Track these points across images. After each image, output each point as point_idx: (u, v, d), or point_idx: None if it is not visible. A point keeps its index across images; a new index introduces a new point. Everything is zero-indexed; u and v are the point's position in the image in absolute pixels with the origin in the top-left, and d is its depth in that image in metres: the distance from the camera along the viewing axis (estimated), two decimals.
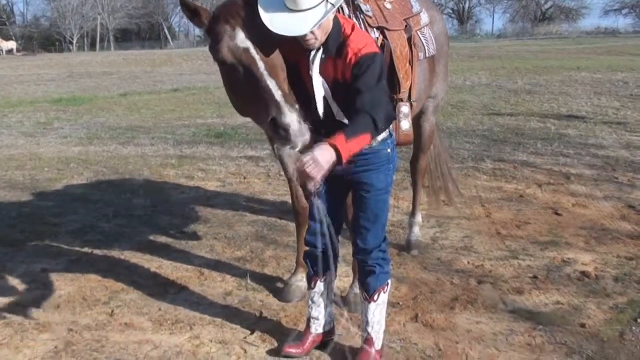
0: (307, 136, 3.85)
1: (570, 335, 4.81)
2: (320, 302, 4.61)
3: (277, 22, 3.75)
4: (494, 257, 6.38)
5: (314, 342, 4.67)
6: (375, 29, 5.09)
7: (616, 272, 5.97)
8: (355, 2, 5.03)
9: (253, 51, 3.89)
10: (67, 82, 30.40)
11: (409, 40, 5.37)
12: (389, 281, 4.42)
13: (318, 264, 4.51)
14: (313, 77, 3.96)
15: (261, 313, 5.27)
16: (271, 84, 3.86)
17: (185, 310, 5.34)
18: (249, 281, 5.89)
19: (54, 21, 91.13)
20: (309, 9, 3.68)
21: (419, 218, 6.83)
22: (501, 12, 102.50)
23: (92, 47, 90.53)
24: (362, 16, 5.03)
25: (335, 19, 3.90)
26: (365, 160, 4.04)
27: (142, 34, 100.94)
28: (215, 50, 3.95)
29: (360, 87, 3.76)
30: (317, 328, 4.64)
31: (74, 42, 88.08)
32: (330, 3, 3.73)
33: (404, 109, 5.28)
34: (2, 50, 72.69)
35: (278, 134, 3.84)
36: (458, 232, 7.14)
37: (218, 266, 6.32)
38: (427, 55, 5.75)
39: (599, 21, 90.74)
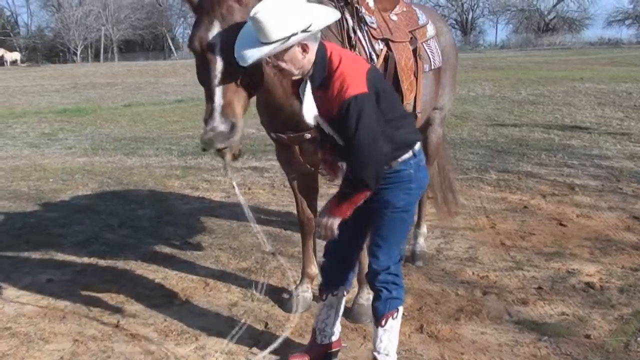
0: (222, 146, 3.89)
1: (575, 346, 4.81)
2: (330, 314, 4.57)
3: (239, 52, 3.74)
4: (498, 268, 6.38)
5: (319, 353, 4.65)
6: (379, 41, 5.11)
7: (621, 282, 5.96)
8: (360, 14, 5.04)
9: (217, 50, 3.89)
10: (71, 92, 30.47)
11: (414, 51, 5.39)
12: (400, 308, 4.27)
13: (331, 277, 4.51)
14: (303, 101, 3.92)
15: (266, 324, 5.28)
16: (218, 88, 3.89)
17: (191, 320, 5.34)
18: (254, 292, 5.89)
19: (58, 32, 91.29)
20: (276, 41, 3.58)
21: (423, 229, 6.83)
22: (504, 23, 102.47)
23: (96, 57, 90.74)
24: (366, 28, 5.05)
25: (322, 50, 3.77)
26: (385, 179, 3.94)
27: (146, 44, 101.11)
28: (189, 37, 4.05)
29: (347, 134, 3.71)
30: (323, 339, 4.62)
31: (78, 53, 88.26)
32: (294, 35, 3.59)
33: None
34: (6, 61, 72.80)
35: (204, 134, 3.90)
36: (462, 243, 7.14)
37: (223, 277, 6.32)
38: (433, 67, 5.76)
39: (602, 32, 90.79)
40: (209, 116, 3.86)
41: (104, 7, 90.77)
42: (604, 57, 43.24)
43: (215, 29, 3.92)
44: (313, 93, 3.84)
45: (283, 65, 3.74)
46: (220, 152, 3.97)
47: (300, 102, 3.91)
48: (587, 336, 4.95)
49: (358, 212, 4.06)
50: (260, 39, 3.60)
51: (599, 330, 5.06)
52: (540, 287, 5.89)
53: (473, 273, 6.28)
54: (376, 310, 4.24)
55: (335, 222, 3.94)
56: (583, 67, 35.55)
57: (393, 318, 4.21)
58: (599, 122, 15.76)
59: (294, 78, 3.92)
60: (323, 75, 3.76)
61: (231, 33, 3.85)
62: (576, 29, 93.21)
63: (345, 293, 4.56)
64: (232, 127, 3.88)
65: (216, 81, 3.89)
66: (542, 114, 17.54)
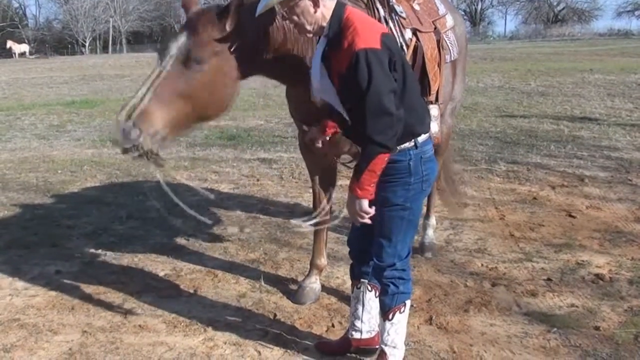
0: (128, 147, 3.94)
1: (585, 337, 4.80)
2: (357, 308, 4.54)
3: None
4: (507, 260, 6.37)
5: (346, 345, 4.63)
6: (409, 30, 5.08)
7: (630, 274, 5.95)
8: (390, 4, 5.02)
9: (166, 60, 3.98)
10: (79, 84, 30.47)
11: (438, 42, 5.37)
12: (407, 302, 4.24)
13: (353, 269, 4.53)
14: (312, 63, 3.96)
15: (275, 315, 5.28)
16: (143, 91, 3.95)
17: (199, 312, 5.36)
18: (263, 283, 5.89)
19: (66, 24, 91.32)
20: None
21: (432, 220, 6.81)
22: (513, 14, 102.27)
23: (104, 49, 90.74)
24: (396, 17, 5.02)
25: (340, 10, 3.76)
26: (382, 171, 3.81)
27: (154, 36, 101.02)
28: None
29: (358, 89, 3.61)
30: (353, 333, 4.59)
31: (86, 44, 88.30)
32: None
33: (433, 111, 5.25)
34: (14, 53, 72.88)
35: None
36: (471, 235, 7.13)
37: (232, 268, 6.33)
38: (452, 58, 5.76)
39: (612, 22, 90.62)
40: (119, 111, 3.95)
41: None
42: (614, 48, 43.05)
43: (180, 39, 4.00)
44: (327, 55, 3.80)
45: (295, 18, 3.78)
46: (125, 152, 4.01)
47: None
48: (597, 328, 4.94)
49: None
50: None
51: (609, 322, 5.05)
52: (549, 279, 5.87)
53: (482, 264, 6.27)
54: (383, 304, 4.23)
55: (363, 204, 3.77)
56: (592, 58, 35.40)
57: (400, 312, 4.20)
58: (609, 113, 15.70)
59: (308, 35, 3.93)
60: (337, 33, 3.73)
61: (194, 50, 3.99)
62: (585, 20, 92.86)
63: (369, 288, 4.46)
64: (139, 135, 3.91)
65: (147, 84, 3.97)
66: (551, 105, 17.49)
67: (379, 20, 4.88)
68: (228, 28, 4.07)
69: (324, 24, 3.77)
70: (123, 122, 3.89)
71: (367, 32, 3.65)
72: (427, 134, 3.99)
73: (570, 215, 7.69)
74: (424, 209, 6.99)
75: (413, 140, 3.86)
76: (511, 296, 5.55)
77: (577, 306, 5.34)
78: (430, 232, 6.72)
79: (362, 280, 4.46)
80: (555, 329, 4.92)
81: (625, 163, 10.33)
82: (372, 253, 4.16)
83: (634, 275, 5.93)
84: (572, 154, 11.12)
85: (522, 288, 5.70)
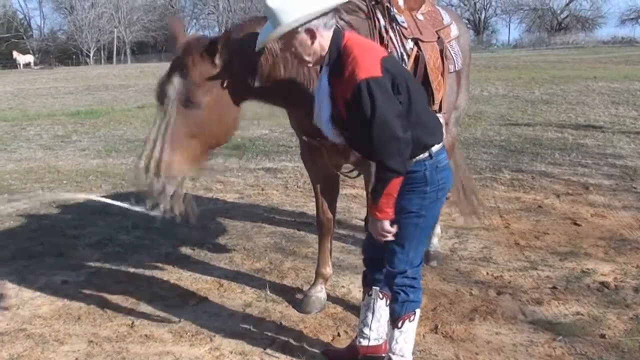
0: (165, 204, 4.18)
1: (590, 345, 4.80)
2: (367, 315, 4.55)
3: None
4: (512, 268, 6.37)
5: (353, 353, 4.63)
6: (410, 40, 5.10)
7: (636, 282, 5.94)
8: (392, 14, 5.03)
9: (168, 105, 4.06)
10: (84, 95, 30.54)
11: (441, 52, 5.38)
12: (417, 310, 4.23)
13: (365, 276, 4.53)
14: (316, 92, 4.03)
15: (280, 324, 5.28)
16: (160, 141, 4.08)
17: (205, 321, 5.36)
18: (268, 292, 5.90)
19: (71, 34, 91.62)
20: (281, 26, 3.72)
21: (437, 229, 6.80)
22: (517, 22, 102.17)
23: (109, 59, 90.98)
24: (397, 27, 5.04)
25: (338, 38, 3.82)
26: None
27: (159, 46, 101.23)
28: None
29: (363, 119, 3.67)
30: (360, 340, 4.59)
31: (91, 55, 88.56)
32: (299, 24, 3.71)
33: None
34: (19, 64, 73.15)
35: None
36: (476, 243, 7.13)
37: (237, 277, 6.34)
38: (456, 68, 5.76)
39: (616, 30, 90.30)
40: (145, 169, 4.15)
41: (116, 9, 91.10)
42: (618, 56, 43.04)
43: (174, 79, 4.05)
44: (331, 82, 3.85)
45: (293, 50, 3.85)
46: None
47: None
48: (602, 336, 4.94)
49: None
50: (271, 24, 3.78)
51: (614, 329, 5.04)
52: (554, 287, 5.87)
53: (487, 273, 6.27)
54: (393, 311, 4.23)
55: (385, 225, 3.87)
56: (596, 65, 35.40)
57: (410, 320, 4.19)
58: (613, 121, 15.70)
59: (308, 65, 3.99)
60: (337, 61, 3.78)
61: (189, 89, 4.04)
62: (589, 28, 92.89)
63: (380, 296, 4.47)
64: (164, 186, 4.08)
65: (159, 132, 4.07)
66: (555, 113, 17.49)
67: (380, 31, 4.91)
68: (218, 62, 4.12)
69: (324, 54, 3.83)
70: (151, 178, 4.03)
71: (367, 60, 3.70)
72: (441, 144, 4.02)
73: (575, 224, 7.69)
74: None
75: (427, 151, 3.90)
76: (516, 304, 5.55)
77: (582, 314, 5.33)
78: (435, 240, 6.72)
79: (374, 287, 4.47)
80: (560, 337, 4.91)
81: (630, 171, 10.32)
82: (385, 259, 4.17)
83: (639, 282, 5.92)
84: (576, 162, 11.11)
85: (527, 296, 5.70)
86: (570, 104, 19.09)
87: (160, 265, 6.70)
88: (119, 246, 7.37)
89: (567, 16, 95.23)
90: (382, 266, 4.29)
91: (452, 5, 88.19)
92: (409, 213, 3.97)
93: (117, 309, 5.67)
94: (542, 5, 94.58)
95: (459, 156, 7.21)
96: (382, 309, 4.50)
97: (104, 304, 5.76)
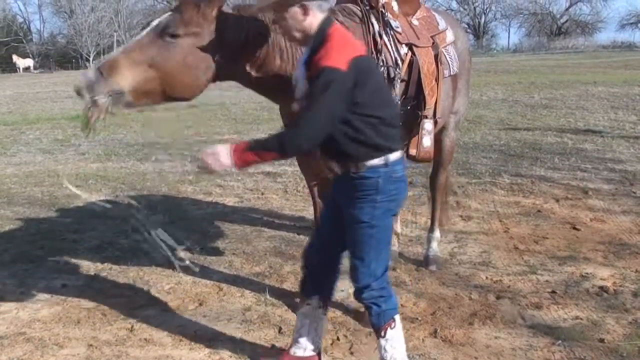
0: (85, 94, 4.14)
1: (589, 350, 4.81)
2: (304, 324, 4.54)
3: None
4: (512, 272, 6.38)
5: None
6: (404, 45, 5.11)
7: (635, 286, 5.95)
8: (385, 18, 5.04)
9: (149, 27, 4.17)
10: None
11: (435, 57, 5.40)
12: (396, 317, 4.20)
13: (306, 285, 4.50)
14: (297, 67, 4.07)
15: (280, 328, 5.29)
16: (120, 48, 4.21)
17: (204, 325, 5.36)
18: (268, 296, 5.90)
19: (71, 38, 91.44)
20: None
21: (437, 233, 6.82)
22: (517, 27, 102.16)
23: None
24: (391, 32, 5.05)
25: (326, 24, 3.85)
26: (350, 185, 3.94)
27: None
28: None
29: (308, 98, 3.73)
30: (296, 351, 4.57)
31: (91, 58, 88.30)
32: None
33: (428, 125, 5.31)
34: (19, 68, 73.12)
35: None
36: (476, 247, 7.14)
37: (236, 281, 6.34)
38: (452, 73, 5.78)
39: (615, 35, 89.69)
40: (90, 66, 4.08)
41: (116, 14, 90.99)
42: (617, 61, 43.08)
43: (164, 15, 4.19)
44: (307, 63, 3.87)
45: (284, 22, 3.89)
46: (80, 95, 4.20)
47: None
48: (601, 340, 4.94)
49: (333, 221, 4.18)
50: None
51: (613, 334, 5.05)
52: (554, 291, 5.88)
53: (486, 277, 6.28)
54: (373, 324, 4.22)
55: (224, 161, 3.80)
56: (596, 70, 35.41)
57: (391, 328, 4.16)
58: (612, 126, 15.70)
59: (296, 42, 4.07)
60: (319, 45, 3.79)
61: (172, 24, 4.12)
62: (589, 32, 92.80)
63: (320, 304, 4.48)
64: (98, 79, 4.02)
65: (124, 45, 4.16)
66: (555, 117, 17.49)
67: (373, 35, 4.92)
68: (213, 14, 4.17)
69: (312, 34, 3.85)
70: (91, 70, 4.00)
71: (340, 52, 3.72)
72: (400, 154, 4.00)
73: (575, 228, 7.70)
74: (429, 222, 7.03)
75: (384, 158, 3.88)
76: (516, 309, 5.56)
77: (581, 318, 5.34)
78: (434, 245, 6.73)
79: (313, 297, 4.47)
80: (560, 342, 4.92)
81: (629, 175, 10.33)
82: (350, 276, 4.14)
83: (638, 287, 5.93)
84: (576, 166, 11.12)
85: (526, 301, 5.71)
86: (570, 109, 19.09)
87: (159, 269, 6.70)
88: (119, 250, 7.38)
89: (566, 21, 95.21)
90: (325, 272, 4.35)
91: (452, 10, 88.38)
92: (361, 223, 3.93)
93: (117, 312, 5.67)
94: (542, 10, 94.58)
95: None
96: (319, 318, 4.53)
97: (104, 308, 5.77)
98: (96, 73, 3.99)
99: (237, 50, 4.33)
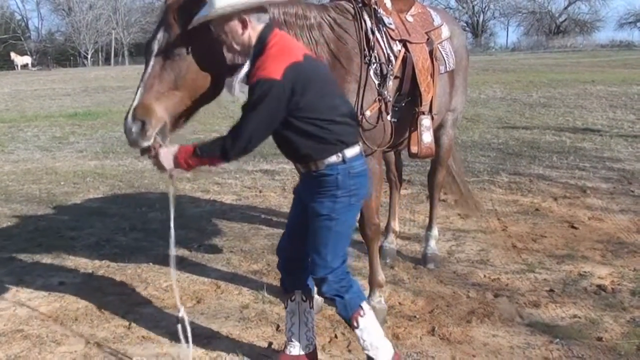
0: (143, 144, 4.05)
1: (588, 348, 4.80)
2: (293, 322, 4.55)
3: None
4: (510, 271, 6.38)
5: None
6: (397, 42, 5.11)
7: (633, 285, 5.95)
8: (378, 15, 5.04)
9: (153, 55, 4.10)
10: (81, 96, 30.53)
11: (430, 53, 5.39)
12: (363, 304, 4.19)
13: (286, 281, 4.53)
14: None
15: (278, 326, 5.28)
16: (140, 89, 4.08)
17: (202, 323, 5.35)
18: (266, 294, 5.90)
19: (69, 36, 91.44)
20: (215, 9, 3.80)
21: (435, 231, 6.81)
22: (515, 25, 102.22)
23: (107, 61, 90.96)
24: (384, 29, 5.05)
25: (266, 33, 3.90)
26: (312, 183, 4.03)
27: None
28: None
29: (245, 107, 3.83)
30: (292, 349, 4.56)
31: (89, 56, 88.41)
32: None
33: (425, 121, 5.30)
34: (17, 65, 73.05)
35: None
36: (474, 246, 7.14)
37: (234, 279, 6.34)
38: (448, 69, 5.78)
39: (614, 34, 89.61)
40: (126, 113, 4.07)
41: (114, 11, 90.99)
42: (616, 60, 43.09)
43: (158, 34, 4.11)
44: (249, 71, 3.89)
45: (223, 37, 3.93)
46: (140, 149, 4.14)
47: None
48: (599, 339, 4.94)
49: (300, 217, 4.26)
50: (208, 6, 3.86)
51: (611, 332, 5.05)
52: (551, 290, 5.88)
53: (484, 275, 6.28)
54: (342, 317, 4.25)
55: (169, 163, 4.01)
56: (594, 69, 35.42)
57: (361, 316, 4.16)
58: (611, 125, 15.73)
59: (237, 55, 4.08)
60: (258, 55, 3.85)
61: (170, 40, 4.07)
62: (587, 31, 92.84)
63: (303, 298, 4.50)
64: (143, 126, 4.00)
65: (141, 82, 4.09)
66: (553, 116, 17.51)
67: (366, 32, 4.91)
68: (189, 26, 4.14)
69: (250, 44, 3.91)
70: (130, 123, 4.02)
71: (275, 62, 3.76)
72: (358, 150, 4.06)
73: (573, 227, 7.70)
74: (426, 220, 7.03)
75: (341, 155, 3.94)
76: (514, 307, 5.56)
77: (579, 317, 5.34)
78: (432, 243, 6.72)
79: (296, 291, 4.49)
80: (557, 340, 4.92)
81: (628, 174, 10.34)
82: (309, 269, 4.21)
83: (636, 286, 5.93)
84: (574, 165, 11.13)
85: (524, 299, 5.71)
86: (568, 107, 19.11)
87: (157, 267, 6.70)
88: (117, 248, 7.37)
89: (565, 19, 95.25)
90: (299, 267, 4.37)
91: (450, 8, 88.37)
92: (320, 216, 4.00)
93: (115, 310, 5.66)
94: (541, 9, 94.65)
95: (457, 161, 7.22)
96: (307, 312, 4.54)
97: (102, 306, 5.76)
98: (136, 123, 3.99)
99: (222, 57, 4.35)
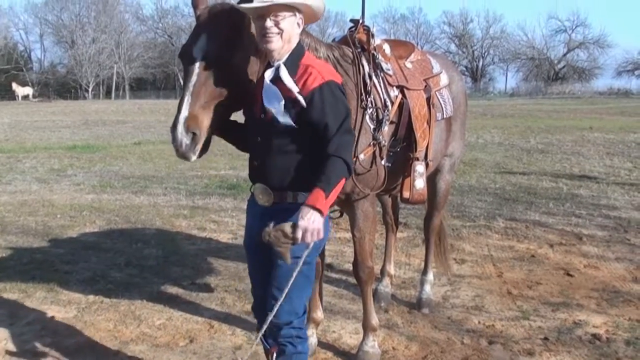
0: (192, 158, 3.94)
1: None
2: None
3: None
4: (504, 317, 6.36)
5: None
6: (394, 87, 5.14)
7: (627, 335, 5.93)
8: (377, 60, 5.07)
9: (197, 64, 3.94)
10: (81, 129, 30.63)
11: (428, 100, 5.42)
12: None
13: (266, 337, 4.18)
14: (264, 84, 3.86)
15: None
16: (187, 98, 3.90)
17: None
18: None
19: (71, 68, 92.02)
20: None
21: (430, 276, 6.80)
22: (514, 71, 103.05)
23: (107, 95, 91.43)
24: (382, 74, 5.07)
25: (301, 47, 3.89)
26: (284, 218, 3.61)
27: (157, 83, 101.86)
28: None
29: (327, 121, 3.66)
30: None
31: (90, 89, 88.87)
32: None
33: (419, 167, 5.31)
34: (18, 96, 73.34)
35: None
36: (469, 291, 7.12)
37: (228, 319, 6.31)
38: (445, 116, 5.80)
39: (612, 81, 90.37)
40: (173, 127, 3.90)
41: (117, 45, 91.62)
42: (614, 107, 43.37)
43: (201, 42, 3.97)
44: (276, 81, 3.78)
45: (279, 29, 3.74)
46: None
47: None
48: None
49: (261, 261, 4.08)
50: None
51: None
52: (546, 338, 5.86)
53: (479, 322, 6.26)
54: None
55: (321, 221, 3.54)
56: (592, 116, 35.62)
57: None
58: (608, 172, 15.78)
59: (271, 51, 3.81)
60: (296, 63, 3.80)
61: (216, 48, 3.94)
62: (586, 78, 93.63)
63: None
64: (193, 138, 3.90)
65: (188, 91, 3.93)
66: (550, 162, 17.57)
67: (363, 77, 4.93)
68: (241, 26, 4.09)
69: (288, 49, 3.82)
70: (182, 136, 3.87)
71: (329, 69, 3.86)
72: None
73: (568, 274, 7.69)
74: (422, 265, 7.02)
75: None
76: (508, 355, 5.53)
77: None
78: (427, 287, 6.70)
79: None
80: None
81: (624, 222, 10.34)
82: (268, 311, 3.86)
83: (631, 335, 5.91)
84: (570, 212, 11.13)
85: (519, 347, 5.68)
86: (566, 154, 19.19)
87: (151, 304, 6.67)
88: (111, 283, 7.34)
89: (564, 66, 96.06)
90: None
91: (450, 52, 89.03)
92: (296, 258, 3.64)
93: (106, 347, 5.63)
94: (540, 55, 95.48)
95: (445, 219, 7.21)
96: None
97: (93, 342, 5.73)
98: (188, 135, 3.90)
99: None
